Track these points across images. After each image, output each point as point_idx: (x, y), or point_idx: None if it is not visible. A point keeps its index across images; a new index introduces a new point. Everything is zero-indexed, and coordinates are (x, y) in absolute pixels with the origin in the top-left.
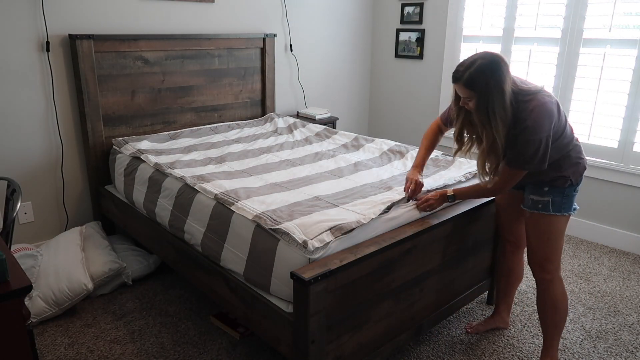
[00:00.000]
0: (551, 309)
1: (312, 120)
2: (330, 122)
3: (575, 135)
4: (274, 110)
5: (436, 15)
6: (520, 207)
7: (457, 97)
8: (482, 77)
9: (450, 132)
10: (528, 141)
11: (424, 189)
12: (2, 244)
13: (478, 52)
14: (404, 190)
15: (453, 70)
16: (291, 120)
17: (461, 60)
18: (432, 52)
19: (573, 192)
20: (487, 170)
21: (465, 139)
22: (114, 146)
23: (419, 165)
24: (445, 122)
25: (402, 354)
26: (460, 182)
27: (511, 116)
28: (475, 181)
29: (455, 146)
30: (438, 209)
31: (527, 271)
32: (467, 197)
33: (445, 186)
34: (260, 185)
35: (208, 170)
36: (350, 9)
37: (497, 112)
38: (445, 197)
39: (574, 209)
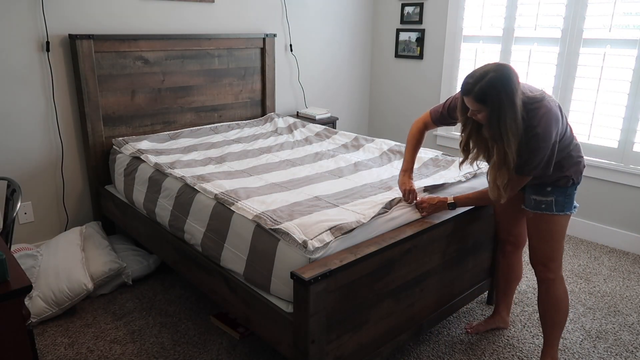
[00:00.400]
0: (553, 308)
1: (312, 120)
2: (330, 122)
3: (574, 134)
4: (274, 110)
5: (436, 15)
6: (520, 208)
7: (464, 108)
8: (494, 91)
9: (451, 133)
10: (538, 148)
11: (421, 185)
12: (2, 244)
13: (488, 63)
14: (404, 199)
15: (462, 82)
16: (291, 120)
17: (470, 72)
18: (432, 52)
19: (574, 191)
20: (499, 185)
21: (472, 149)
22: (114, 146)
23: (409, 168)
24: (437, 121)
25: (402, 354)
26: (460, 182)
27: (522, 129)
28: (476, 182)
29: (461, 156)
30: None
31: (527, 271)
32: (468, 204)
33: (446, 186)
34: (260, 185)
35: (208, 170)
36: (350, 9)
37: (509, 126)
38: (445, 205)
39: (575, 207)
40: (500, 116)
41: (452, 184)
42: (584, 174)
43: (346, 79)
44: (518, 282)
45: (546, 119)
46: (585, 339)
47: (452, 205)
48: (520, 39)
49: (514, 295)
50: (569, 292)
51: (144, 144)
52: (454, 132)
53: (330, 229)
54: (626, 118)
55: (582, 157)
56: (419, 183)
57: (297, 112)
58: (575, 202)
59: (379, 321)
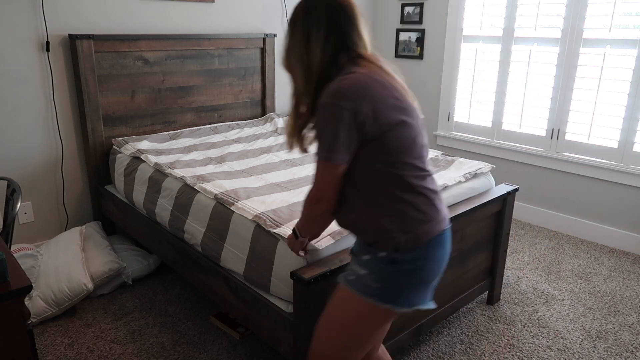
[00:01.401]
0: None
1: None
2: None
3: (427, 155)
4: (274, 110)
5: (436, 15)
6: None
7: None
8: (294, 12)
9: (451, 134)
10: (320, 118)
11: None
12: (2, 244)
13: None
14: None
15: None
16: None
17: None
18: (432, 52)
19: (408, 270)
20: (289, 131)
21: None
22: (114, 146)
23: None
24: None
25: (402, 354)
26: (460, 182)
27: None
28: (476, 182)
29: (296, 144)
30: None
31: (526, 271)
32: (303, 226)
33: (446, 187)
34: (260, 185)
35: (208, 170)
36: None
37: (291, 47)
38: (293, 237)
39: (413, 307)
40: (289, 38)
41: (452, 185)
42: (580, 174)
43: None
44: None
45: (339, 83)
46: (585, 339)
47: (295, 233)
48: (520, 39)
49: (514, 295)
50: (569, 292)
51: (144, 144)
52: (454, 132)
53: (330, 234)
54: (626, 118)
55: (439, 201)
56: None
57: None
58: (429, 300)
59: None
